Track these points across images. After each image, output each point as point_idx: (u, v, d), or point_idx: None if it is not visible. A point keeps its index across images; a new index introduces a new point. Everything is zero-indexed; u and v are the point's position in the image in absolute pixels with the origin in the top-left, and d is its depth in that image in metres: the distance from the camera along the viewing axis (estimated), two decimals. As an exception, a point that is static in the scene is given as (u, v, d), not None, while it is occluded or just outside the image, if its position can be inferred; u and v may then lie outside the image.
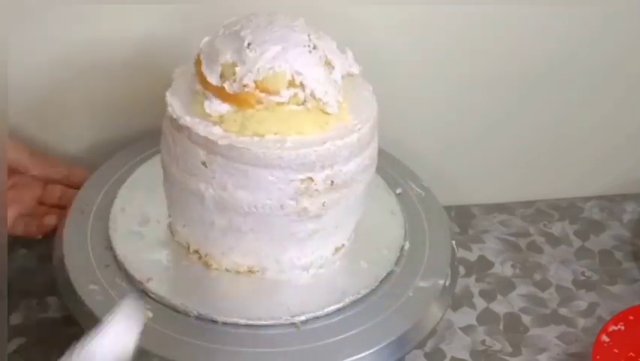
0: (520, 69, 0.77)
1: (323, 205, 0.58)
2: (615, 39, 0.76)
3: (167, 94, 0.59)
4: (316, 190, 0.57)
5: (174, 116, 0.57)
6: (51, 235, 0.67)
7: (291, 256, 0.61)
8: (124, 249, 0.63)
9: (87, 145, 0.76)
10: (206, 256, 0.62)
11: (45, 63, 0.70)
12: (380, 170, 0.68)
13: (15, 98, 0.68)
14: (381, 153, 0.63)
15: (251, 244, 0.60)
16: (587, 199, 0.86)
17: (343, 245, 0.64)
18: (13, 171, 0.69)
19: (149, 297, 0.60)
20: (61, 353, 0.45)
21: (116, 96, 0.74)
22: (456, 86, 0.77)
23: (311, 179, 0.56)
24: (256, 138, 0.55)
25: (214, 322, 0.58)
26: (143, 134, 0.73)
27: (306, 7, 0.68)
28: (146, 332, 0.55)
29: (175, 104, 0.58)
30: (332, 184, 0.57)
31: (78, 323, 0.59)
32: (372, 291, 0.62)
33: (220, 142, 0.55)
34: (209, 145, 0.56)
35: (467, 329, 0.72)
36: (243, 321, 0.58)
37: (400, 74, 0.75)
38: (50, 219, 0.69)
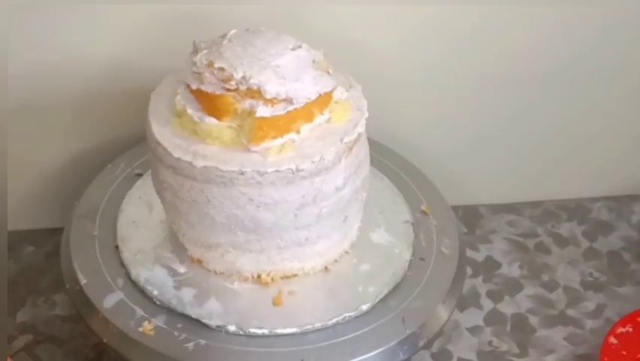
0: (528, 69, 0.76)
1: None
2: (625, 39, 0.76)
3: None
4: None
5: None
6: None
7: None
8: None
9: (76, 154, 0.75)
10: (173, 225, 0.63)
11: (35, 67, 0.69)
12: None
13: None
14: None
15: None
16: (595, 200, 0.86)
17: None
18: None
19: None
20: (68, 350, 0.45)
21: (115, 100, 0.73)
22: (464, 87, 0.77)
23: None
24: None
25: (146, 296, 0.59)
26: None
27: (306, 6, 0.69)
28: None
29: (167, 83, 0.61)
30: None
31: (84, 320, 0.59)
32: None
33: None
34: None
35: (474, 330, 0.72)
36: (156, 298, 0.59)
37: (409, 74, 0.75)
38: None
